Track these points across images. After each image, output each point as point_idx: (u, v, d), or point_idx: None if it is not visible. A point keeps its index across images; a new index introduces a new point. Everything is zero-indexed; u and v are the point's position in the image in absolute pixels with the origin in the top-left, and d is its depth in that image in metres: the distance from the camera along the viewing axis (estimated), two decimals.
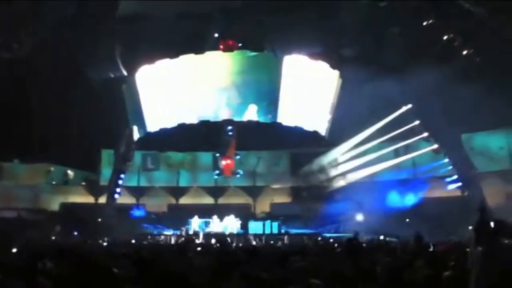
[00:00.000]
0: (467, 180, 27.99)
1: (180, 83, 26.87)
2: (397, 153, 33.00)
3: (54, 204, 36.81)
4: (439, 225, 22.84)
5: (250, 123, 26.73)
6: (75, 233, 27.61)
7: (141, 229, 30.69)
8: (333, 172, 35.01)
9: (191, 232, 29.84)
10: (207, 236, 27.32)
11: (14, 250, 10.13)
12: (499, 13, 20.52)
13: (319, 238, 24.27)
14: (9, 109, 28.11)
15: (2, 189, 35.13)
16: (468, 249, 6.09)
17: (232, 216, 30.91)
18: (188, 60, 26.42)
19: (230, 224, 30.48)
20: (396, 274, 5.98)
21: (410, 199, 31.60)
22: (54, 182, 39.35)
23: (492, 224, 5.39)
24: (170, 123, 27.27)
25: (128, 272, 6.00)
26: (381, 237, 21.64)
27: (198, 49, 26.03)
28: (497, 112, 23.95)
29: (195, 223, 30.73)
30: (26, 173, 37.72)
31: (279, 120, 26.30)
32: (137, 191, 38.13)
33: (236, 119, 26.63)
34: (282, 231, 30.01)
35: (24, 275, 6.11)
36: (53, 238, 24.19)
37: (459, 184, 28.76)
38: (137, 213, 35.16)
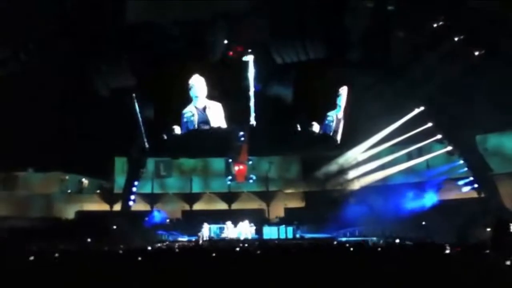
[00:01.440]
0: (482, 182, 27.68)
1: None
2: (410, 156, 32.76)
3: (69, 212, 37.08)
4: (455, 227, 22.60)
5: (261, 128, 26.90)
6: (90, 240, 27.74)
7: (156, 236, 30.77)
8: (346, 176, 34.87)
9: (205, 238, 29.94)
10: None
11: (32, 258, 10.20)
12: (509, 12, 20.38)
13: (335, 243, 24.11)
14: (22, 119, 28.39)
15: (17, 199, 35.48)
16: (486, 251, 6.04)
17: (246, 222, 30.94)
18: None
19: (244, 230, 30.52)
20: (404, 276, 5.93)
21: (425, 202, 31.35)
22: (68, 191, 39.66)
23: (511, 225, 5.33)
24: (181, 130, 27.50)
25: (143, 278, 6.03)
26: (397, 241, 21.48)
27: (208, 56, 26.13)
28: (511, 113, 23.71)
29: (207, 229, 30.80)
30: (40, 182, 38.01)
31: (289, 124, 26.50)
32: (151, 198, 38.27)
33: None
34: (297, 235, 29.96)
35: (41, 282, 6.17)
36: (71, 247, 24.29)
37: (475, 186, 28.44)
38: (158, 216, 35.23)
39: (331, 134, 28.17)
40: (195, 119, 27.06)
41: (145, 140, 29.91)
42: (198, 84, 27.03)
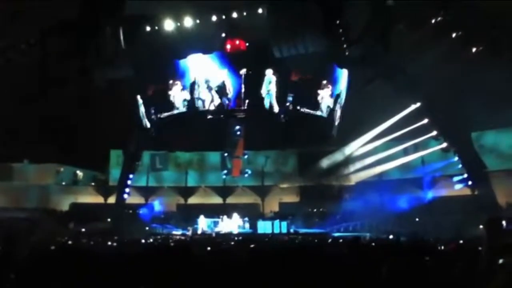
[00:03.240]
0: (477, 179, 27.72)
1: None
2: (406, 152, 32.77)
3: (63, 204, 37.03)
4: (449, 224, 22.68)
5: (258, 122, 26.77)
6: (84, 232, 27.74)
7: (150, 229, 30.80)
8: (342, 171, 34.91)
9: (199, 232, 29.96)
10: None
11: (25, 249, 10.14)
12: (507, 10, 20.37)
13: (329, 240, 24.17)
14: (18, 110, 28.31)
15: (12, 190, 35.40)
16: (480, 248, 6.02)
17: (241, 216, 30.99)
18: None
19: (239, 224, 30.56)
20: (401, 274, 5.91)
21: (420, 198, 31.43)
22: (63, 183, 39.59)
23: (504, 222, 5.32)
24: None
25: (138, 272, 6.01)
26: (390, 236, 21.52)
27: (205, 49, 26.01)
28: (507, 110, 23.73)
29: (202, 222, 30.84)
30: (35, 173, 37.99)
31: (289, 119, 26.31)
32: (146, 191, 38.26)
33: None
34: (291, 230, 29.99)
35: (34, 275, 6.13)
36: (65, 239, 24.29)
37: (469, 182, 28.49)
38: (153, 208, 35.29)
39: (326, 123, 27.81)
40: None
41: (146, 120, 29.17)
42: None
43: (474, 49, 23.01)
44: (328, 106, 27.10)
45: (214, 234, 28.36)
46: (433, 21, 22.74)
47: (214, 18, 24.94)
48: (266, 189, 38.37)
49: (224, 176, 36.03)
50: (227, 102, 26.07)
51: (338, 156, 34.50)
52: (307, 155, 36.64)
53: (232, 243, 14.37)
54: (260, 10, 24.40)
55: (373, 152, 32.45)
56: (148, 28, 25.08)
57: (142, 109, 28.45)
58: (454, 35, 23.01)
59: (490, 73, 22.35)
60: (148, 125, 28.40)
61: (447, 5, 22.44)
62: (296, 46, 24.71)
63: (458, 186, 29.50)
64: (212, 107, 26.29)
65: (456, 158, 28.65)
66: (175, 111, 26.93)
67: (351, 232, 28.20)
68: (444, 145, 29.04)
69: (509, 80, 22.13)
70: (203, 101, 26.37)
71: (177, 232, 30.48)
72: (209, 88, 26.22)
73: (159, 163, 39.59)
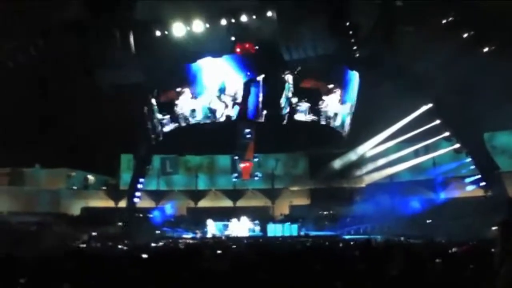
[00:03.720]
0: (490, 180, 27.45)
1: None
2: (417, 154, 32.55)
3: (75, 208, 37.20)
4: (461, 226, 22.46)
5: (268, 125, 26.64)
6: (95, 236, 27.83)
7: (161, 233, 30.82)
8: (353, 174, 34.74)
9: (209, 235, 29.92)
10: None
11: (37, 253, 10.19)
12: None
13: (340, 245, 23.95)
14: (29, 115, 28.49)
15: (23, 194, 35.64)
16: (493, 250, 5.93)
17: (251, 219, 30.93)
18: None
19: (249, 227, 30.49)
20: (413, 276, 5.84)
21: (432, 200, 31.17)
22: (74, 187, 39.81)
23: None
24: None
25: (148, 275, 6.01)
26: (402, 238, 21.36)
27: (215, 53, 25.98)
28: None
29: (211, 226, 30.79)
30: (47, 178, 38.22)
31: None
32: (156, 195, 38.34)
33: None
34: (302, 233, 29.86)
35: (45, 278, 6.16)
36: (76, 243, 24.37)
37: (482, 184, 28.22)
38: (168, 210, 35.34)
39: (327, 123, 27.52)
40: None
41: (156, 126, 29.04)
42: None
43: (486, 49, 22.84)
44: (337, 112, 26.84)
45: (224, 237, 28.37)
46: (443, 21, 22.60)
47: (223, 21, 24.94)
48: (277, 192, 38.30)
49: (234, 179, 35.97)
50: (238, 108, 25.83)
51: (348, 158, 34.33)
52: (318, 158, 36.53)
53: (242, 246, 14.35)
54: (269, 13, 24.37)
55: (384, 154, 32.27)
56: (157, 33, 25.12)
57: (151, 115, 28.48)
58: (465, 35, 22.86)
59: (502, 73, 22.15)
60: (159, 130, 28.43)
61: (455, 5, 22.30)
62: (305, 48, 24.70)
63: (471, 188, 29.23)
64: (223, 118, 26.04)
65: (469, 159, 28.41)
66: (184, 123, 26.81)
67: (362, 234, 28.02)
68: (457, 146, 28.82)
69: None
70: (214, 111, 26.13)
71: (188, 235, 30.48)
72: (219, 98, 25.93)
73: (170, 167, 39.71)
